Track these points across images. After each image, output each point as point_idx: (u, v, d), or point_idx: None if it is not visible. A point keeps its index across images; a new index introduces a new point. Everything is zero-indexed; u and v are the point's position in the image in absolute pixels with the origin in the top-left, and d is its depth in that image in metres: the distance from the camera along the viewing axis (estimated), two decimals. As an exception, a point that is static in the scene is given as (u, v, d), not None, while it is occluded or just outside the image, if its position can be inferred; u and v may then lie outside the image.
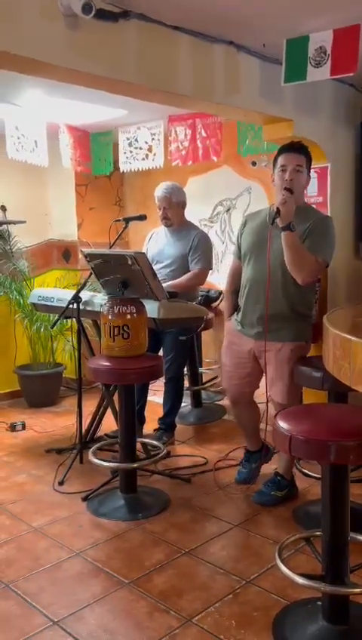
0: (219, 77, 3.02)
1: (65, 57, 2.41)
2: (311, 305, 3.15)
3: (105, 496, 3.21)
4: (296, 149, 2.99)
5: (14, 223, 5.12)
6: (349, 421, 2.05)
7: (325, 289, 3.68)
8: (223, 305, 3.66)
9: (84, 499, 3.20)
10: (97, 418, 3.85)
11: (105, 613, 2.25)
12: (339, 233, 3.76)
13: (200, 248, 3.94)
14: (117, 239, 3.76)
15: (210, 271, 4.10)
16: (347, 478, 2.05)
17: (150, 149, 4.65)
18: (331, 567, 2.08)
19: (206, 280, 4.10)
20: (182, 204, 4.04)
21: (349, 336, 1.74)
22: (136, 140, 4.72)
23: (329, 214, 3.65)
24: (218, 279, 5.03)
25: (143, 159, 4.70)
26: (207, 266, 3.99)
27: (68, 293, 3.74)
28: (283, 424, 2.01)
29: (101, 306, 3.18)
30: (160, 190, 3.99)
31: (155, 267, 3.67)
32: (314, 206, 3.43)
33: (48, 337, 5.13)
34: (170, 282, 3.82)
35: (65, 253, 5.60)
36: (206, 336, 4.92)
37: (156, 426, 4.11)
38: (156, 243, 4.13)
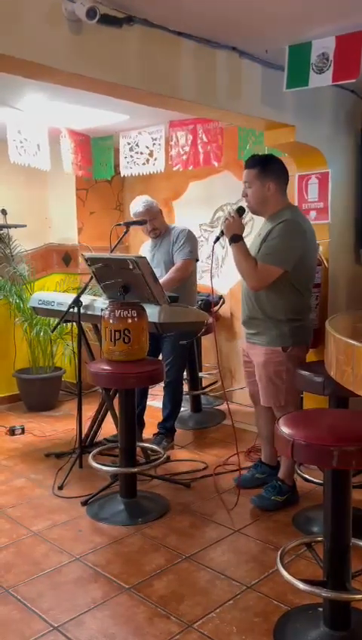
0: (222, 82, 3.03)
1: (69, 62, 2.42)
2: (294, 310, 3.04)
3: (104, 500, 3.20)
4: (246, 165, 3.09)
5: (15, 226, 5.14)
6: (351, 426, 2.05)
7: (326, 294, 3.68)
8: None
9: (84, 503, 3.19)
10: (97, 422, 3.84)
11: (106, 619, 2.24)
12: (340, 239, 3.79)
13: (181, 239, 3.96)
14: (118, 243, 3.77)
15: (196, 262, 4.05)
16: (349, 483, 2.05)
17: (151, 154, 4.66)
18: (332, 572, 2.07)
19: (190, 270, 3.98)
20: (161, 211, 4.09)
21: (352, 342, 1.74)
22: (137, 145, 4.73)
23: (329, 220, 3.67)
24: (218, 284, 5.04)
25: (144, 164, 4.71)
26: (190, 256, 3.94)
27: (68, 297, 3.75)
28: (285, 429, 2.01)
29: (102, 310, 3.18)
30: (139, 206, 3.94)
31: None
32: (289, 210, 3.07)
33: (48, 341, 5.12)
34: None
35: (66, 257, 5.60)
36: (206, 340, 4.92)
37: (156, 430, 4.10)
38: (147, 252, 4.14)
